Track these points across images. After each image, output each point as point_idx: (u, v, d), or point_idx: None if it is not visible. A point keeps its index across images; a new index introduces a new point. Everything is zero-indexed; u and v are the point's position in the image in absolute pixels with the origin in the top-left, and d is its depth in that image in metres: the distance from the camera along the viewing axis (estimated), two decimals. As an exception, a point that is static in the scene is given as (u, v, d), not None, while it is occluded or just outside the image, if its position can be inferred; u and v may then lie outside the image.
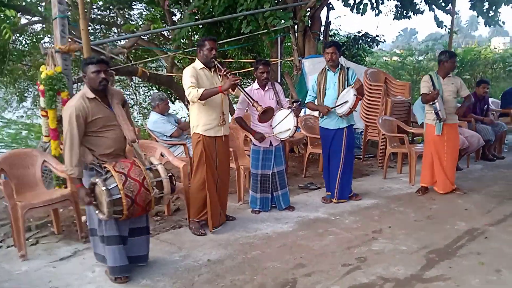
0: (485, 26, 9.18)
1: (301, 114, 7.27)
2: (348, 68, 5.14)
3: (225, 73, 4.20)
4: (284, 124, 4.75)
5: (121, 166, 3.24)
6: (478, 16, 9.04)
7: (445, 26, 9.39)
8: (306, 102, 5.36)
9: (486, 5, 8.79)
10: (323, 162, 5.40)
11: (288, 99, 6.87)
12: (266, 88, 4.90)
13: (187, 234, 4.41)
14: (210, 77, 4.34)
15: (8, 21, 6.62)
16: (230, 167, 4.73)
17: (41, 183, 4.41)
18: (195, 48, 4.65)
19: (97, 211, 3.29)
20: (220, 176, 4.46)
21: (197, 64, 4.36)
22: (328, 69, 5.13)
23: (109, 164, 3.27)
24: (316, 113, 7.21)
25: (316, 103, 5.23)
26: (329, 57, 5.02)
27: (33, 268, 3.72)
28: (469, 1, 8.90)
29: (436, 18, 9.29)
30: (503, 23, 9.37)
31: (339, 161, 5.15)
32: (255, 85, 4.91)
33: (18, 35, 9.53)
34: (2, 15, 6.67)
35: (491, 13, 8.81)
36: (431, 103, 5.27)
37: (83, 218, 4.58)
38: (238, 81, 4.12)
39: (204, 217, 4.45)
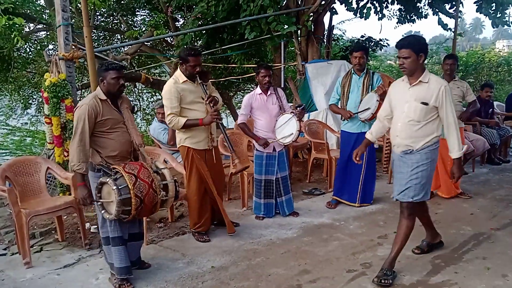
0: (493, 27, 9.12)
1: (305, 118, 7.27)
2: (373, 73, 5.14)
3: (207, 101, 4.14)
4: (286, 129, 4.74)
5: (130, 167, 3.32)
6: (485, 16, 8.94)
7: (450, 28, 9.36)
8: (329, 103, 5.36)
9: (493, 6, 8.73)
10: (338, 166, 5.37)
11: (291, 104, 6.83)
12: (269, 93, 4.89)
13: (191, 241, 4.40)
14: (194, 89, 4.22)
15: (14, 29, 6.67)
16: (223, 176, 4.69)
17: (45, 190, 4.42)
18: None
19: (103, 211, 3.34)
20: (214, 184, 4.39)
21: (180, 76, 4.22)
22: (353, 73, 5.12)
23: (118, 166, 3.34)
24: (320, 118, 7.23)
25: (339, 105, 5.22)
26: (357, 61, 5.01)
27: (38, 275, 3.72)
28: (474, 3, 8.85)
29: (440, 21, 9.27)
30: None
31: (361, 165, 5.13)
32: (258, 90, 4.90)
33: (22, 42, 9.58)
34: (8, 23, 6.71)
35: (499, 14, 8.74)
36: None
37: (87, 225, 4.60)
38: (217, 118, 4.11)
39: (199, 229, 4.42)
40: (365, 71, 5.09)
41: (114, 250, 3.46)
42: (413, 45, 3.43)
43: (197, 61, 4.16)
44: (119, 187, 3.18)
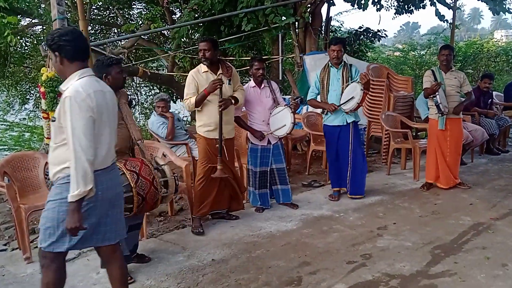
0: (493, 14, 9.06)
1: (304, 111, 7.26)
2: (351, 65, 5.11)
3: (219, 104, 4.23)
4: (280, 121, 4.74)
5: (132, 164, 3.27)
6: (485, 3, 8.87)
7: (446, 20, 9.31)
8: (308, 99, 5.32)
9: None
10: (329, 159, 5.34)
11: (290, 96, 6.81)
12: (262, 86, 4.89)
13: (191, 234, 4.39)
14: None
15: (7, 27, 6.64)
16: (234, 168, 4.72)
17: (44, 185, 4.41)
18: (196, 46, 4.65)
19: None
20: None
21: (202, 67, 4.38)
22: (331, 66, 5.09)
23: (119, 162, 3.28)
24: (318, 110, 7.20)
25: (318, 99, 5.19)
26: (335, 54, 4.98)
27: (38, 270, 3.69)
28: None
29: (437, 12, 9.22)
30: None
31: (347, 157, 5.12)
32: (251, 83, 4.90)
33: (18, 37, 9.53)
34: (2, 22, 6.66)
35: (498, 2, 8.68)
36: (432, 96, 5.24)
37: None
38: (217, 83, 4.17)
39: (201, 212, 4.46)
40: (342, 63, 5.06)
41: None
42: (47, 41, 2.54)
43: (204, 46, 4.27)
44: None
